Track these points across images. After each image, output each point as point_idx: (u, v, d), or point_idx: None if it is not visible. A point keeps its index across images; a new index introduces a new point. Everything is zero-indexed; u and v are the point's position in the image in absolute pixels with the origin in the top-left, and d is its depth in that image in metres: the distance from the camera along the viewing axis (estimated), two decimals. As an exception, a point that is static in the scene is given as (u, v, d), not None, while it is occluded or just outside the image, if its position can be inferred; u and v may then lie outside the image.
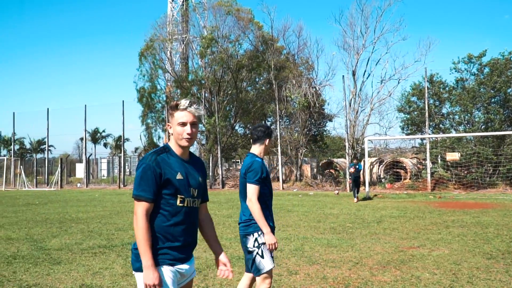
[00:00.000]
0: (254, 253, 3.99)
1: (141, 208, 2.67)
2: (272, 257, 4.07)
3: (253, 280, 4.22)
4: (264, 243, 3.98)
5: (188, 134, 2.80)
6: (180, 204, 2.77)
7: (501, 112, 25.35)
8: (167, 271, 2.73)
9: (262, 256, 3.96)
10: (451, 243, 8.60)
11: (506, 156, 24.17)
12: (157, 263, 2.69)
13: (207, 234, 3.08)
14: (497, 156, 24.39)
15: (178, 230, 2.78)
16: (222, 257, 3.01)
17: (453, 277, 6.08)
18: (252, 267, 4.04)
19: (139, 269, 2.69)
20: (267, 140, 4.27)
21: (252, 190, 4.01)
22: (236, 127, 35.98)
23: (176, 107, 2.84)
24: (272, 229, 4.09)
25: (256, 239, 4.01)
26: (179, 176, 2.78)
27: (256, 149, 4.28)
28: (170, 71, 34.91)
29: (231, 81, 33.09)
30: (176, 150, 2.87)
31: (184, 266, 2.84)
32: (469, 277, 6.09)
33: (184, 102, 2.82)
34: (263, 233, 3.99)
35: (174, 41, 35.83)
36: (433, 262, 6.98)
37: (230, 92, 33.57)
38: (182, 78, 34.42)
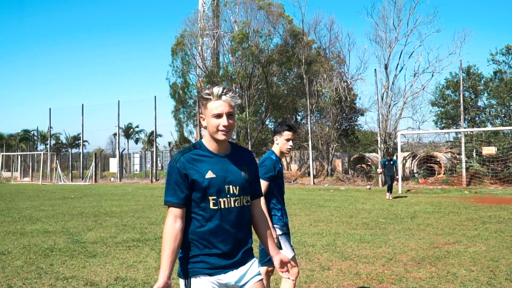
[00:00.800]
0: None
1: (169, 214, 2.45)
2: (292, 246, 4.16)
3: (268, 273, 4.26)
4: (281, 235, 4.05)
5: (224, 126, 2.43)
6: (214, 207, 2.44)
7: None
8: (205, 282, 2.45)
9: (280, 247, 4.00)
10: (488, 239, 8.37)
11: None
12: (192, 273, 2.46)
13: (260, 234, 2.69)
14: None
15: (216, 236, 2.45)
16: (283, 257, 2.65)
17: (490, 274, 5.90)
18: None
19: (179, 274, 2.51)
20: (277, 137, 4.27)
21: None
22: (267, 122, 35.97)
23: (209, 97, 2.45)
24: (286, 224, 4.17)
25: None
26: (209, 175, 2.44)
27: (274, 146, 4.34)
28: (201, 67, 35.14)
29: (262, 75, 33.05)
30: (210, 145, 2.52)
31: (228, 276, 2.49)
32: (507, 274, 5.91)
33: (217, 91, 2.43)
34: (278, 226, 4.07)
35: (205, 37, 36.03)
36: (469, 259, 6.80)
37: (260, 87, 33.56)
38: (213, 74, 34.59)
